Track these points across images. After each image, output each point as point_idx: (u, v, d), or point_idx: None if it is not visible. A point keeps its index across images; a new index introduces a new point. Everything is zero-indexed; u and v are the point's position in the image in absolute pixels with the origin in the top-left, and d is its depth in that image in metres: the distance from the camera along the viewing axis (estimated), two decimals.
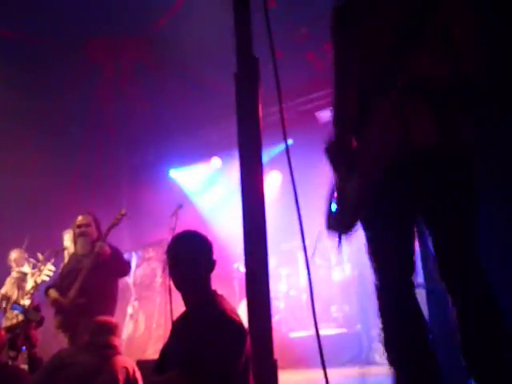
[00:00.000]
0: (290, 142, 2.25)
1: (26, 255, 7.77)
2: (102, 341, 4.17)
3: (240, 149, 2.03)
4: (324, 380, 1.98)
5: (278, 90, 2.04)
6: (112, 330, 4.34)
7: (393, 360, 2.55)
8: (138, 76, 9.12)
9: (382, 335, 2.60)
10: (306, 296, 8.86)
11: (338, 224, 2.65)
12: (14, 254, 7.83)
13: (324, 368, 1.94)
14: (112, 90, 9.17)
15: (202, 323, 2.84)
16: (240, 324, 2.81)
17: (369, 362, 7.06)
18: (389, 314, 2.55)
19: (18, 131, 8.90)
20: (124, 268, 5.75)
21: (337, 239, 2.64)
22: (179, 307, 3.17)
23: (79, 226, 5.63)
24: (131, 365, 4.15)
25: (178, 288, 3.03)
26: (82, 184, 9.49)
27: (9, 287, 7.67)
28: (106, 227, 5.63)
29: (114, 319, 4.60)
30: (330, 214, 2.72)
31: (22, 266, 7.70)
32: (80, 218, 5.70)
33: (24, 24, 7.52)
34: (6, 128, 8.54)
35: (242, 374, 2.69)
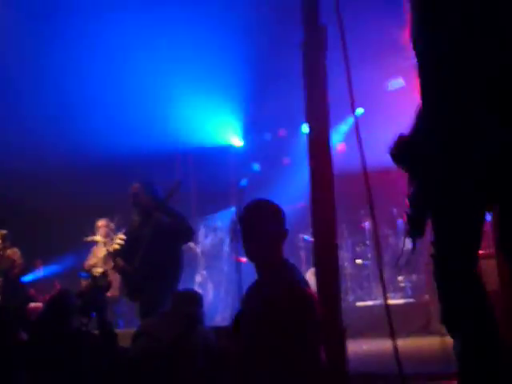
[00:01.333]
0: (360, 111, 2.22)
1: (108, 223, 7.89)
2: (186, 311, 4.22)
3: (308, 118, 2.03)
4: (393, 349, 1.98)
5: (346, 59, 2.02)
6: (195, 300, 4.39)
7: (454, 327, 2.49)
8: None
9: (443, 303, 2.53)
10: (372, 265, 8.81)
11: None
12: (99, 222, 7.95)
13: (393, 338, 1.94)
14: None
15: (274, 293, 2.83)
16: (311, 294, 2.81)
17: (437, 332, 6.96)
18: (456, 283, 2.47)
19: None
20: (185, 234, 5.68)
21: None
22: (246, 277, 3.19)
23: (130, 197, 5.72)
24: (211, 334, 4.19)
25: (251, 257, 3.00)
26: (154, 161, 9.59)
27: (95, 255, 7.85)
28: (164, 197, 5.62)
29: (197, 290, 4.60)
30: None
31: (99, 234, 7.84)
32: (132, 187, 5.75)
33: None
34: None
35: (312, 342, 2.71)
